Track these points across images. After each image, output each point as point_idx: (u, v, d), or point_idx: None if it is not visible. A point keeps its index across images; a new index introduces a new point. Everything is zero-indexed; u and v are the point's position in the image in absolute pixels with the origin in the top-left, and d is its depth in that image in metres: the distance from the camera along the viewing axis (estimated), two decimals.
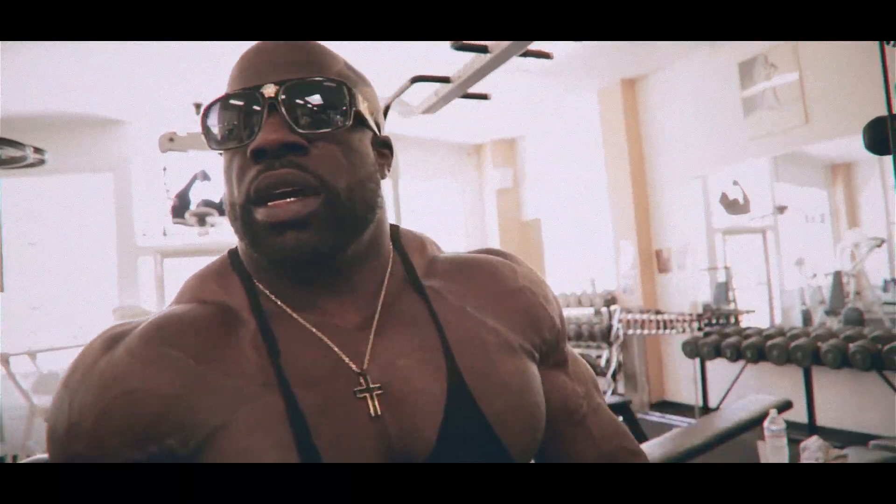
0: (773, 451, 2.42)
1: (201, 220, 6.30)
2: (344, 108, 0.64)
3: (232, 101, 0.63)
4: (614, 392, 5.76)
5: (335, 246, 0.64)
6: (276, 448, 0.59)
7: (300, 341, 0.65)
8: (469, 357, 0.68)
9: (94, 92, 5.35)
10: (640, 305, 5.84)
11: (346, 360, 0.65)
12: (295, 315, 0.66)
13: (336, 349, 0.65)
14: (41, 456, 1.59)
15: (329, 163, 0.63)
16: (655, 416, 5.51)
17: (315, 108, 0.62)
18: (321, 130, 0.62)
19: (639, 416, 5.32)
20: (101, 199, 6.24)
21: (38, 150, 2.32)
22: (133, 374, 0.60)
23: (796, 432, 4.27)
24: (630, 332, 5.64)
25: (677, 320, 5.20)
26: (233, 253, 0.72)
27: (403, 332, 0.68)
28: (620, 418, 3.61)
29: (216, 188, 6.41)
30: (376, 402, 0.63)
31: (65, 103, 5.54)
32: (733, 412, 3.82)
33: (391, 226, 0.77)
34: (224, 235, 6.32)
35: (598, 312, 6.26)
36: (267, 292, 0.68)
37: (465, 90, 2.81)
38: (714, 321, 5.24)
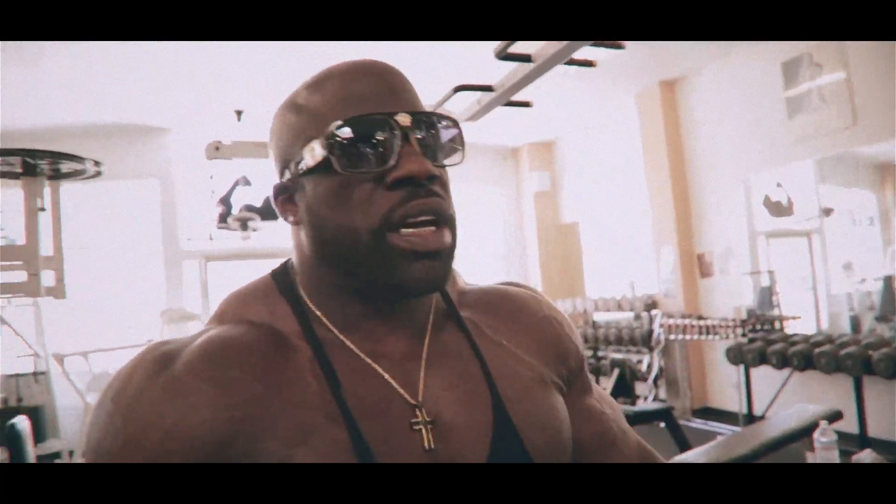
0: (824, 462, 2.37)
1: (244, 224, 6.41)
2: (460, 144, 0.67)
3: (365, 124, 0.62)
4: (656, 398, 5.70)
5: (447, 278, 0.66)
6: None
7: (356, 371, 0.65)
8: (510, 390, 0.69)
9: (139, 101, 5.50)
10: (682, 310, 5.77)
11: (401, 391, 0.65)
12: (349, 343, 0.66)
13: (391, 380, 0.65)
14: None
15: (448, 195, 0.66)
16: (698, 423, 5.43)
17: (441, 142, 0.65)
18: (448, 164, 0.66)
19: (681, 422, 5.26)
20: (148, 204, 6.41)
21: (96, 163, 2.41)
22: (200, 394, 0.59)
23: (847, 444, 4.16)
24: (672, 336, 5.58)
25: (720, 326, 5.12)
26: (278, 275, 0.71)
27: (449, 364, 0.69)
28: (662, 424, 3.54)
29: (257, 193, 6.54)
30: (430, 435, 0.64)
31: (111, 113, 5.72)
32: (781, 421, 3.74)
33: None
34: (264, 240, 6.43)
35: (638, 317, 6.20)
36: (322, 318, 0.67)
37: (507, 98, 2.82)
38: (758, 327, 5.15)
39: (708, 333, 5.23)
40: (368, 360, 0.66)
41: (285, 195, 0.68)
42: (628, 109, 6.26)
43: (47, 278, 2.46)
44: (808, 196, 6.75)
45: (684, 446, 4.13)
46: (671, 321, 5.57)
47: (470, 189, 7.69)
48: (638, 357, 5.96)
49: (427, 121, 0.64)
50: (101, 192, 6.23)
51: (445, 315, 0.73)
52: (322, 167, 0.63)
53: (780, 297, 5.80)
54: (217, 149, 4.01)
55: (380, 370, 0.65)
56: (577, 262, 7.54)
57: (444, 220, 0.63)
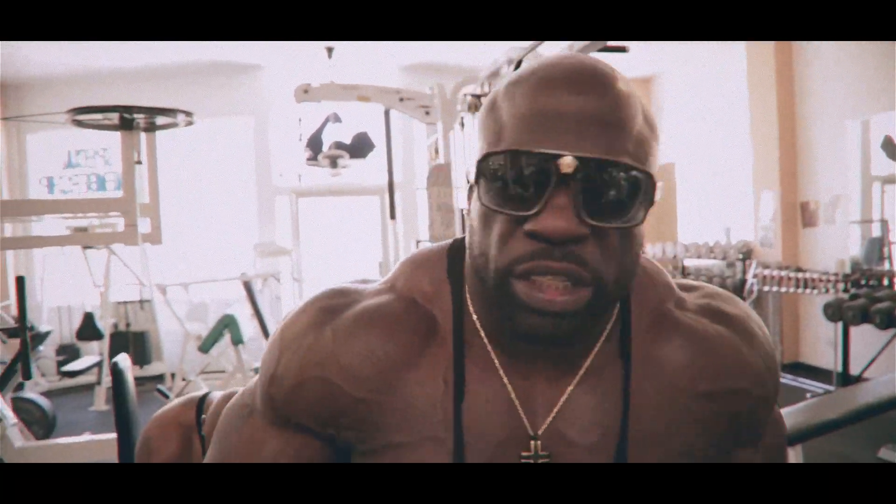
0: None
1: (333, 161, 6.52)
2: (642, 203, 0.57)
3: (517, 161, 0.55)
4: None
5: (586, 329, 0.61)
6: None
7: (487, 386, 0.63)
8: (642, 456, 0.63)
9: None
10: (779, 261, 5.45)
11: (524, 418, 0.63)
12: (493, 354, 0.63)
13: (518, 404, 0.63)
14: (200, 392, 1.75)
15: (607, 255, 0.56)
16: (787, 378, 5.20)
17: (611, 198, 0.55)
18: (611, 225, 0.55)
19: None
20: (242, 141, 6.63)
21: (188, 114, 2.50)
22: (333, 364, 0.62)
23: None
24: (766, 288, 5.30)
25: (820, 280, 4.81)
26: (453, 253, 0.68)
27: (591, 405, 0.63)
28: None
29: (347, 130, 6.62)
30: None
31: (206, 51, 5.86)
32: (881, 385, 3.51)
33: None
34: (353, 177, 6.53)
35: (731, 265, 5.93)
36: (474, 317, 0.64)
37: (601, 45, 2.66)
38: (864, 282, 4.79)
39: (806, 287, 4.93)
40: (503, 376, 0.63)
41: (469, 187, 0.62)
42: (735, 45, 5.80)
43: (144, 225, 2.64)
44: None
45: None
46: (766, 272, 5.28)
47: None
48: None
49: (597, 169, 0.54)
50: (198, 131, 6.49)
51: (616, 347, 0.64)
52: (477, 191, 0.59)
53: (892, 248, 5.36)
54: (306, 91, 4.05)
55: (510, 388, 0.63)
56: (670, 205, 7.23)
57: (583, 282, 0.55)
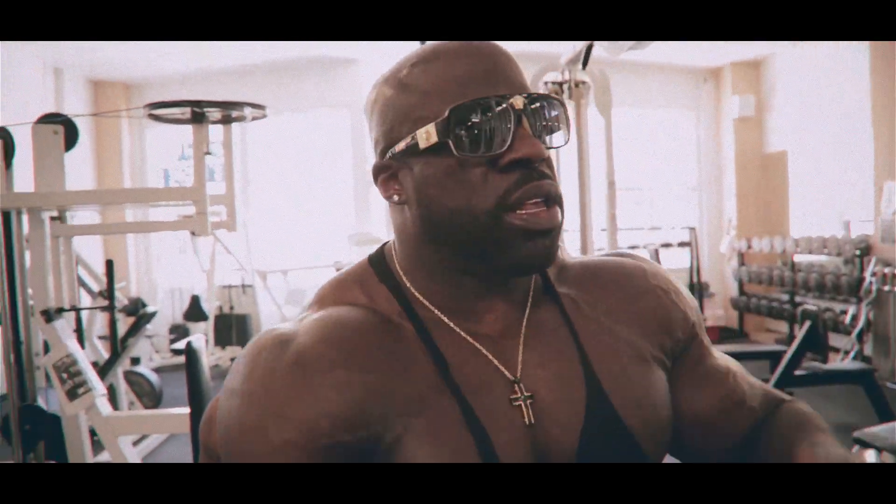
0: None
1: None
2: (566, 125, 0.68)
3: (481, 107, 0.63)
4: (858, 355, 5.06)
5: (556, 254, 0.68)
6: (459, 450, 0.63)
7: (458, 349, 0.68)
8: (606, 368, 0.70)
9: None
10: None
11: (501, 368, 0.68)
12: (449, 322, 0.69)
13: (491, 358, 0.68)
14: None
15: (553, 172, 0.67)
16: None
17: (551, 124, 0.66)
18: (557, 146, 0.67)
19: (888, 385, 4.63)
20: (339, 134, 6.84)
21: (256, 107, 2.61)
22: (335, 363, 0.62)
23: None
24: (886, 287, 4.85)
25: None
26: (374, 261, 0.73)
27: (545, 341, 0.71)
28: (862, 387, 3.15)
29: None
30: (530, 411, 0.67)
31: (307, 48, 6.08)
32: None
33: None
34: None
35: (847, 261, 5.47)
36: (421, 298, 0.69)
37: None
38: None
39: None
40: (469, 339, 0.68)
41: (387, 174, 0.68)
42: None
43: (221, 214, 2.80)
44: None
45: (885, 414, 3.64)
46: (888, 269, 4.84)
47: (657, 115, 7.17)
48: (842, 307, 5.29)
49: (538, 103, 0.65)
50: (298, 123, 6.76)
51: (543, 292, 0.74)
52: (434, 149, 0.63)
53: None
54: None
55: (480, 348, 0.68)
56: (781, 195, 6.76)
57: (554, 199, 0.65)
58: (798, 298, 5.88)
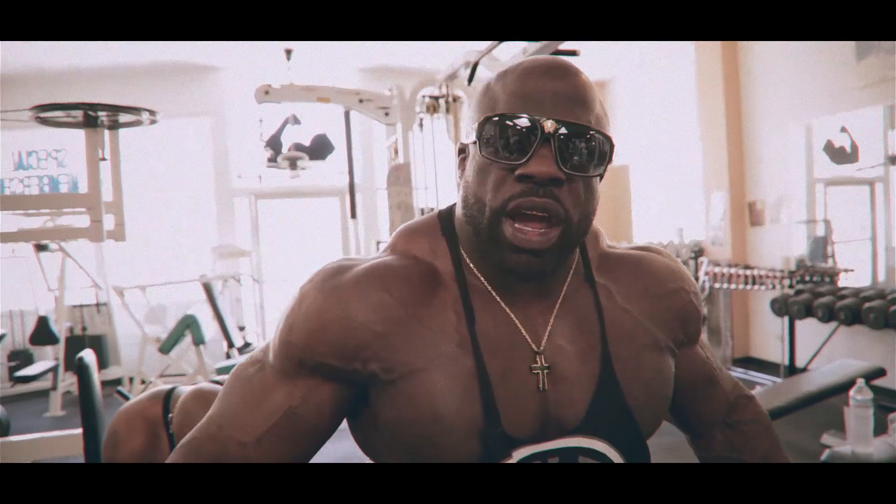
0: (857, 420, 2.36)
1: (293, 163, 6.51)
2: (603, 159, 0.73)
3: (512, 122, 0.71)
4: None
5: (556, 267, 0.76)
6: (463, 396, 0.72)
7: (492, 315, 0.77)
8: (622, 351, 0.80)
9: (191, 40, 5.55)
10: (729, 258, 5.65)
11: (528, 338, 0.77)
12: (492, 291, 0.78)
13: (521, 328, 0.77)
14: (167, 387, 1.75)
15: (575, 199, 0.72)
16: (738, 372, 5.40)
17: (581, 153, 0.71)
18: (580, 174, 0.71)
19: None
20: (199, 142, 6.55)
21: (152, 113, 2.50)
22: (353, 304, 0.73)
23: (888, 400, 4.09)
24: (717, 285, 5.49)
25: (767, 276, 5.01)
26: (443, 217, 0.83)
27: (573, 321, 0.80)
28: None
29: (306, 132, 6.60)
30: (545, 379, 0.76)
31: (165, 52, 5.79)
32: (821, 375, 3.69)
33: None
34: (313, 178, 6.52)
35: (684, 263, 6.10)
36: (471, 265, 0.78)
37: (555, 47, 2.75)
38: (808, 279, 5.02)
39: (754, 283, 5.13)
40: (505, 307, 0.77)
41: (463, 155, 0.79)
42: (685, 48, 6.00)
43: (108, 222, 2.64)
44: (876, 142, 6.40)
45: None
46: (717, 269, 5.47)
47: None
48: None
49: (571, 130, 0.70)
50: (156, 131, 6.38)
51: (582, 278, 0.82)
52: (478, 147, 0.73)
53: (835, 248, 5.61)
54: (267, 93, 4.06)
55: (513, 317, 0.77)
56: (625, 205, 7.41)
57: (556, 219, 0.71)
58: None
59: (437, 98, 3.65)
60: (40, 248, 4.85)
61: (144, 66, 6.04)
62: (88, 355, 1.88)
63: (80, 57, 5.61)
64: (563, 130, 0.70)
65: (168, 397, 1.70)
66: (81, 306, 5.35)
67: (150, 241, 6.35)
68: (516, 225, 0.71)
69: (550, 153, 0.70)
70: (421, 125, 4.08)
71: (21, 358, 5.62)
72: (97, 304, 5.37)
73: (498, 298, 0.78)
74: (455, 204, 0.82)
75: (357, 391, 0.75)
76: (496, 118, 0.71)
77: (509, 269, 0.73)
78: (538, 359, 0.76)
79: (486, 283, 0.78)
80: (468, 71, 3.04)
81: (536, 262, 0.72)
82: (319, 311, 0.73)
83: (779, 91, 5.31)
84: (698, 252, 5.97)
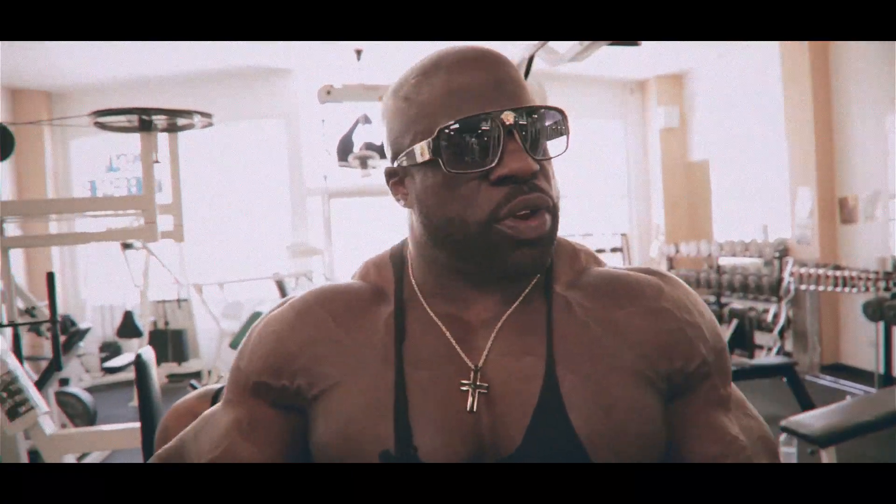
0: None
1: (363, 162, 6.59)
2: (564, 134, 0.69)
3: (472, 125, 0.65)
4: (780, 351, 5.36)
5: (547, 261, 0.70)
6: (374, 412, 0.68)
7: (425, 330, 0.72)
8: (572, 371, 0.69)
9: (264, 44, 5.70)
10: (817, 258, 5.31)
11: (461, 353, 0.71)
12: (426, 306, 0.74)
13: (453, 341, 0.71)
14: (217, 385, 1.79)
15: (549, 181, 0.68)
16: (827, 380, 5.07)
17: (542, 135, 0.67)
18: (548, 158, 0.68)
19: (807, 378, 4.92)
20: (274, 143, 6.75)
21: (205, 115, 2.57)
22: (284, 320, 0.75)
23: None
24: (803, 287, 5.17)
25: (860, 278, 4.67)
26: (394, 251, 0.81)
27: (517, 337, 0.72)
28: (784, 380, 3.28)
29: (377, 131, 6.67)
30: (476, 398, 0.68)
31: (239, 56, 5.99)
32: None
33: None
34: (384, 178, 6.57)
35: (767, 263, 5.80)
36: (414, 285, 0.75)
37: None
38: None
39: (845, 285, 4.80)
40: (438, 322, 0.72)
41: (396, 179, 0.73)
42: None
43: (166, 223, 2.74)
44: None
45: (806, 405, 3.88)
46: (804, 270, 5.15)
47: (591, 123, 7.39)
48: (764, 306, 5.60)
49: (529, 116, 0.66)
50: (232, 133, 6.63)
51: (540, 290, 0.74)
52: (430, 163, 0.67)
53: None
54: (328, 93, 4.12)
55: (445, 331, 0.72)
56: (705, 202, 7.10)
57: (546, 208, 0.67)
58: (724, 299, 6.17)
59: None
60: (126, 246, 5.12)
61: (219, 72, 6.28)
62: (147, 353, 1.95)
63: (157, 66, 5.90)
64: (521, 120, 0.65)
65: (216, 396, 1.74)
66: (164, 301, 5.60)
67: (228, 240, 6.60)
68: (510, 222, 0.66)
69: (518, 146, 0.65)
70: None
71: (110, 350, 5.96)
72: (178, 300, 5.61)
73: (431, 312, 0.73)
74: (406, 239, 0.78)
75: (300, 421, 0.73)
76: (454, 125, 0.64)
77: (513, 268, 0.68)
78: (473, 375, 0.69)
79: (425, 303, 0.74)
80: (524, 64, 2.97)
81: (536, 253, 0.67)
82: (260, 334, 0.76)
83: (872, 84, 4.95)
84: (783, 251, 5.65)
